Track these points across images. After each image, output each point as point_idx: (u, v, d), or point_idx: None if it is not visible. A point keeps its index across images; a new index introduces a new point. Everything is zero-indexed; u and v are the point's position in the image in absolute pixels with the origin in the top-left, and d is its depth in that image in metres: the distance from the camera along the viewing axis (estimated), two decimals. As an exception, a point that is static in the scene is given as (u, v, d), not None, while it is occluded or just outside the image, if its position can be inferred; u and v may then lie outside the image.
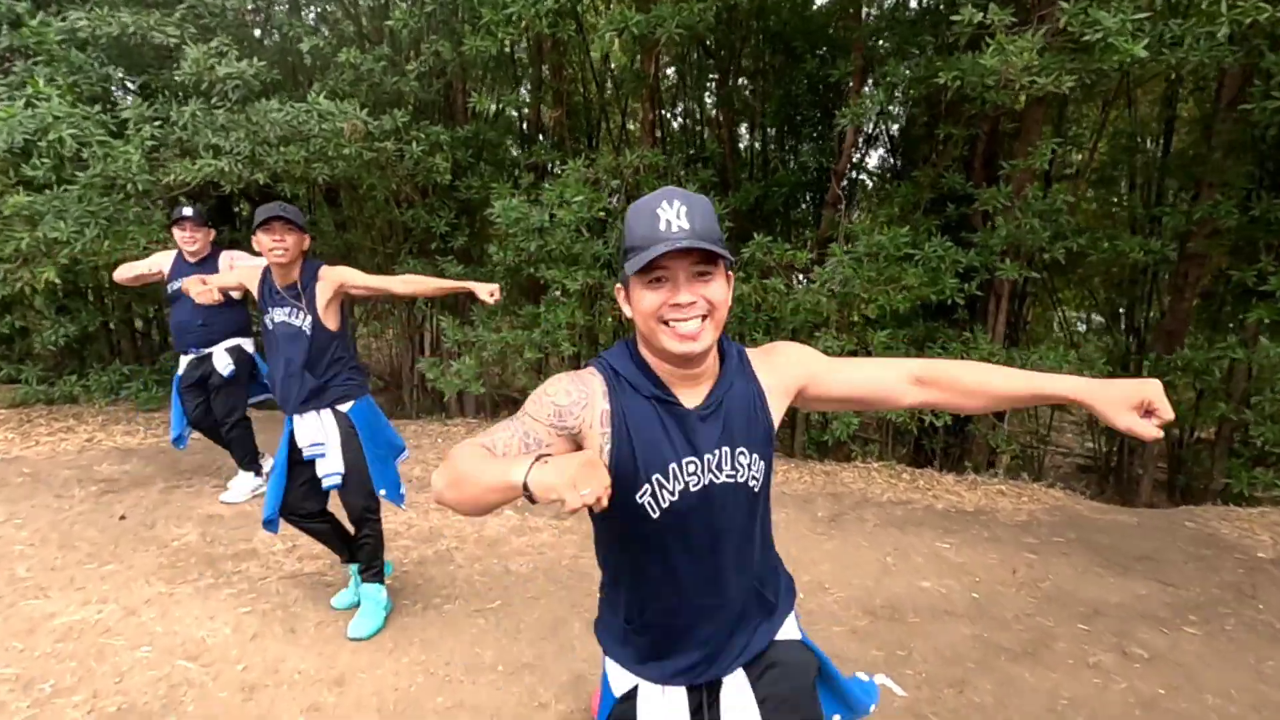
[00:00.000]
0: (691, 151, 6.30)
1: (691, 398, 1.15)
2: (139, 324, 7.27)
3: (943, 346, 5.00)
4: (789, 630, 1.30)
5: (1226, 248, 4.99)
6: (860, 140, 5.43)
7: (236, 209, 7.49)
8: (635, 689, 1.24)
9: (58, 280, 4.74)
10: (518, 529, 3.54)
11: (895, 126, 6.00)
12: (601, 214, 5.19)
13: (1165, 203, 5.43)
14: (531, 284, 5.91)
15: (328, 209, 7.09)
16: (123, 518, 3.56)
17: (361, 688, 2.23)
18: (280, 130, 4.55)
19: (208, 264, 3.71)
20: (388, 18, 4.98)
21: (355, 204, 6.50)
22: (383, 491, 2.52)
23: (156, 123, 4.69)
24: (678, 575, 1.17)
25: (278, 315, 2.43)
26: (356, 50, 5.04)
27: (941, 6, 4.61)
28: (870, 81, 4.83)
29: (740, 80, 6.07)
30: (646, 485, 1.12)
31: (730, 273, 1.15)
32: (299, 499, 2.48)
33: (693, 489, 1.14)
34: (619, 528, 1.18)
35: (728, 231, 5.33)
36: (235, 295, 3.24)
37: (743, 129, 6.60)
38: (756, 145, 6.36)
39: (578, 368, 1.47)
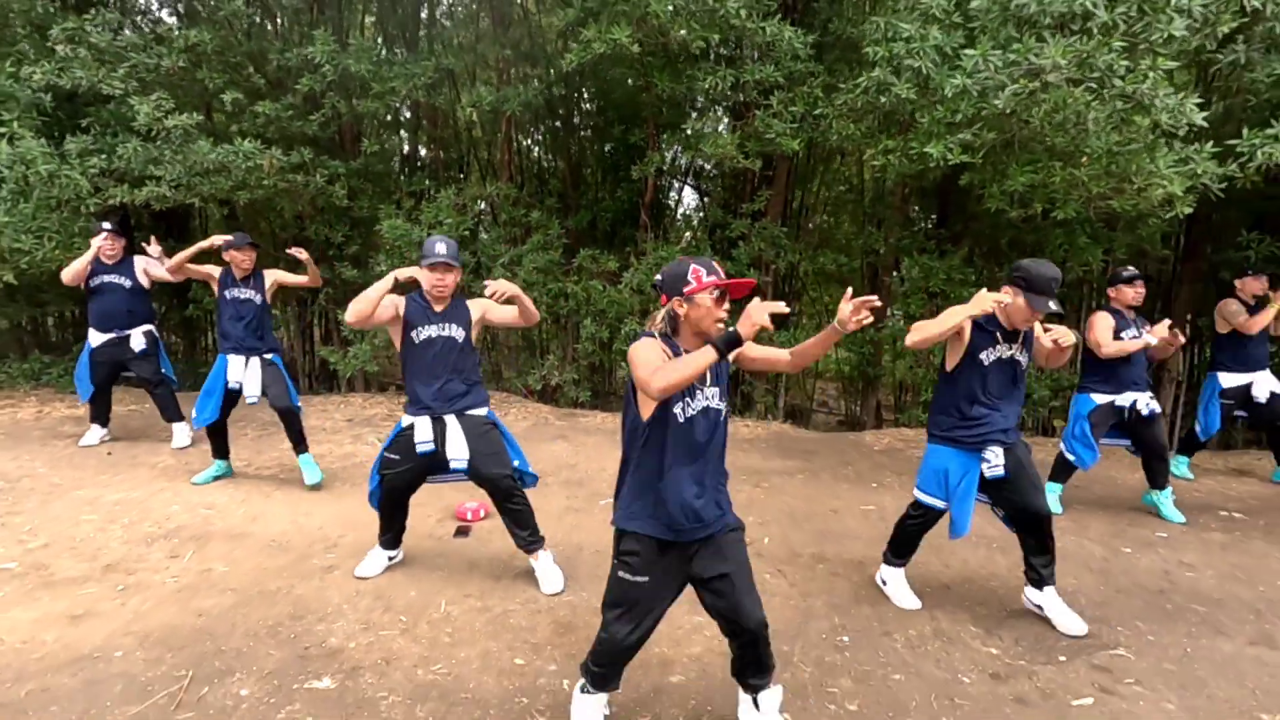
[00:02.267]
0: (539, 184, 8.18)
1: None
2: (51, 322, 8.11)
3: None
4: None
5: (887, 260, 7.54)
6: (659, 182, 7.52)
7: (133, 222, 8.50)
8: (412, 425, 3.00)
9: (15, 282, 5.86)
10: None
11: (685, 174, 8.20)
12: (467, 232, 6.93)
13: (865, 231, 7.93)
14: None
15: (223, 223, 8.33)
16: (109, 453, 4.90)
17: (311, 518, 3.88)
18: (212, 165, 5.93)
19: (123, 266, 5.05)
20: (297, 78, 6.46)
21: (251, 219, 7.84)
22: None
23: (102, 154, 5.93)
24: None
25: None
26: (269, 102, 6.48)
27: (696, 100, 6.75)
28: (659, 145, 6.90)
29: (576, 134, 8.02)
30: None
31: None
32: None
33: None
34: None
35: (564, 246, 7.25)
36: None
37: (581, 169, 8.56)
38: (589, 181, 8.33)
39: None
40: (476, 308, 3.15)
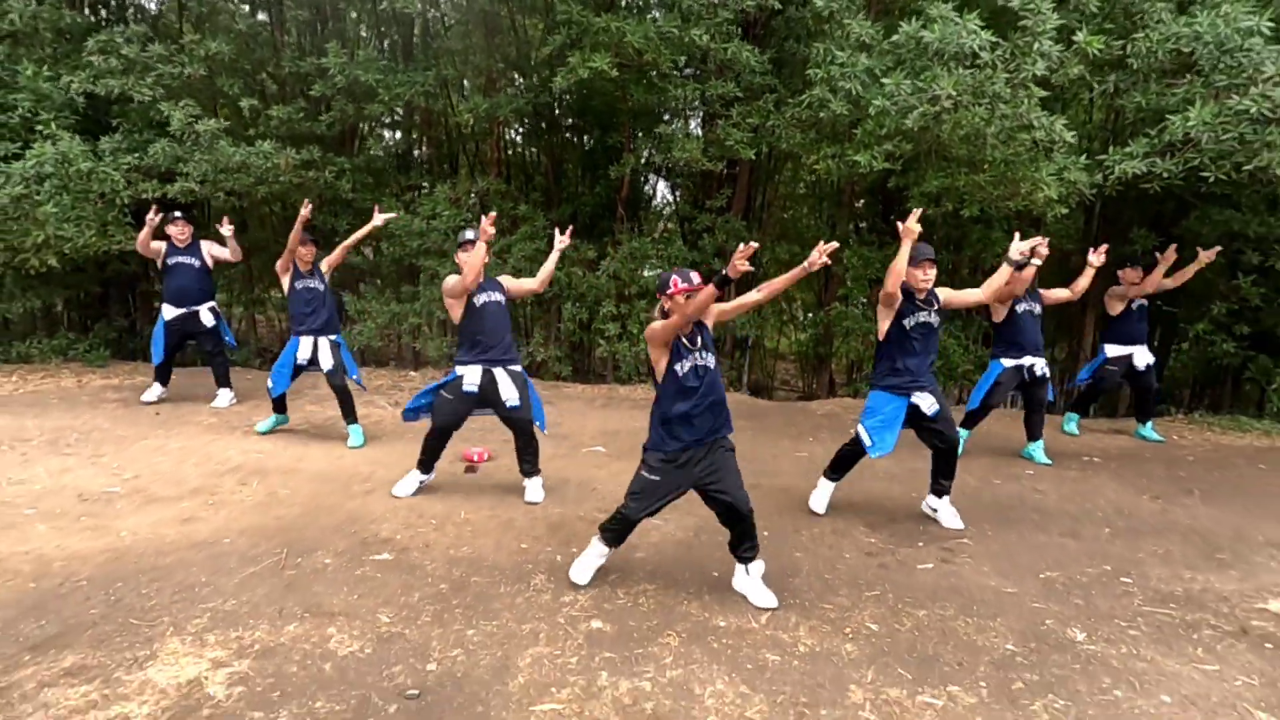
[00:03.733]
0: (525, 180, 9.01)
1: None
2: (63, 304, 8.79)
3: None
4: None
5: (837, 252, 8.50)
6: (634, 179, 8.38)
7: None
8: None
9: (56, 265, 6.58)
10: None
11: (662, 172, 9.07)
12: (463, 222, 7.75)
13: (816, 226, 8.88)
14: (409, 270, 8.33)
15: (234, 214, 9.06)
16: (157, 413, 5.69)
17: (344, 460, 4.73)
18: (235, 164, 6.68)
19: (193, 248, 5.86)
20: (309, 84, 7.20)
21: (257, 210, 8.59)
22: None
23: (134, 153, 6.65)
24: None
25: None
26: (282, 106, 7.22)
27: (667, 109, 7.61)
28: (633, 146, 7.76)
29: (560, 135, 8.85)
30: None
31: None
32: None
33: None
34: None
35: (549, 236, 8.09)
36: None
37: (563, 166, 9.39)
38: (571, 177, 9.17)
39: (445, 333, 4.16)
40: (506, 281, 4.08)
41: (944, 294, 3.85)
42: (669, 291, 2.85)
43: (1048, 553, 3.52)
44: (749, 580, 3.01)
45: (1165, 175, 5.10)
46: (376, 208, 5.17)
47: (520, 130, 9.17)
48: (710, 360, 2.93)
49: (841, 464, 4.00)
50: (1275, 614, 2.93)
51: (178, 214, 5.87)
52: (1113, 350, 5.92)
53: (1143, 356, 5.85)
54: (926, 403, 3.69)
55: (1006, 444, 5.62)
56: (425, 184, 8.58)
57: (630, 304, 7.88)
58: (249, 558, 3.14)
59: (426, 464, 4.06)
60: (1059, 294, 5.30)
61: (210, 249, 5.95)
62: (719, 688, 2.32)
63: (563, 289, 7.99)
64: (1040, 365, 5.09)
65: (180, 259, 5.81)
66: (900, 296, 3.68)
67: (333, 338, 5.15)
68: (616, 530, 3.04)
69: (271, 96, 7.74)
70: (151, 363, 6.06)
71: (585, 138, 8.73)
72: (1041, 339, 5.18)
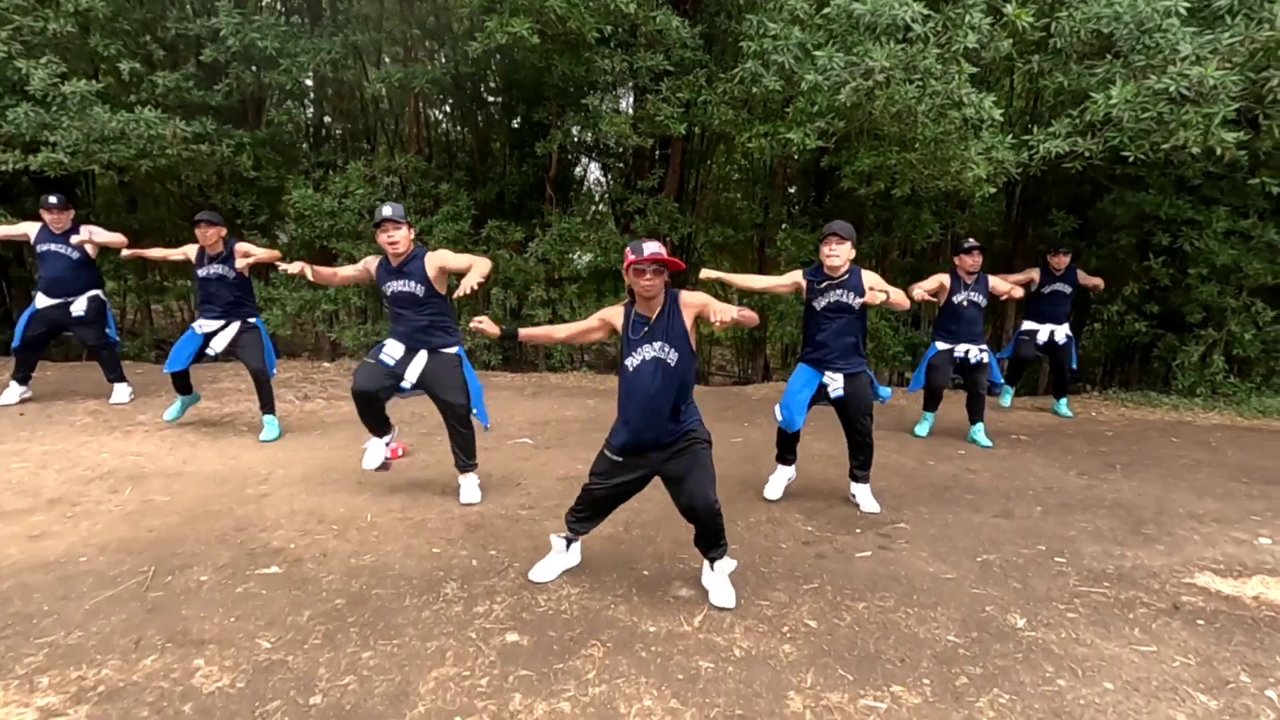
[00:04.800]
0: (449, 157, 8.52)
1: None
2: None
3: (614, 292, 7.83)
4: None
5: (772, 234, 8.42)
6: (563, 157, 8.03)
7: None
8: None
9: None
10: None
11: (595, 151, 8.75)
12: (377, 202, 7.23)
13: (750, 208, 8.75)
14: (323, 254, 7.75)
15: (117, 192, 8.22)
16: (21, 414, 5.03)
17: (240, 460, 4.28)
18: (111, 132, 5.99)
19: (69, 235, 5.19)
20: (199, 48, 6.53)
21: (148, 187, 7.81)
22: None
23: (-12, 120, 5.86)
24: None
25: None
26: (168, 73, 6.52)
27: (595, 82, 7.27)
28: (561, 122, 7.41)
29: (484, 110, 8.39)
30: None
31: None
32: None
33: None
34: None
35: (473, 217, 7.67)
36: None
37: (489, 143, 8.94)
38: (497, 155, 8.73)
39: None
40: (434, 261, 3.56)
41: (870, 279, 3.70)
42: (624, 265, 2.60)
43: (983, 534, 3.46)
44: (713, 576, 2.80)
45: (1087, 154, 5.16)
46: (288, 267, 4.52)
47: (443, 105, 8.66)
48: (671, 355, 2.60)
49: (781, 445, 3.85)
50: (1202, 588, 2.93)
51: (52, 199, 5.16)
52: (1029, 325, 6.05)
53: (1053, 333, 5.96)
54: (834, 385, 3.60)
55: (942, 425, 5.63)
56: (339, 160, 7.98)
57: (560, 288, 7.57)
58: (107, 579, 2.71)
59: (376, 427, 3.72)
60: (1003, 287, 5.24)
61: (92, 234, 5.26)
62: (647, 704, 2.09)
63: (490, 273, 7.60)
64: (975, 353, 5.07)
65: (52, 246, 5.12)
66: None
67: (251, 320, 4.74)
68: (581, 514, 2.86)
69: (159, 62, 6.99)
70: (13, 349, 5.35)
71: (512, 114, 8.30)
72: (979, 329, 5.16)
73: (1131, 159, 4.93)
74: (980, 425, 5.20)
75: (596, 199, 9.17)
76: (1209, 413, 6.61)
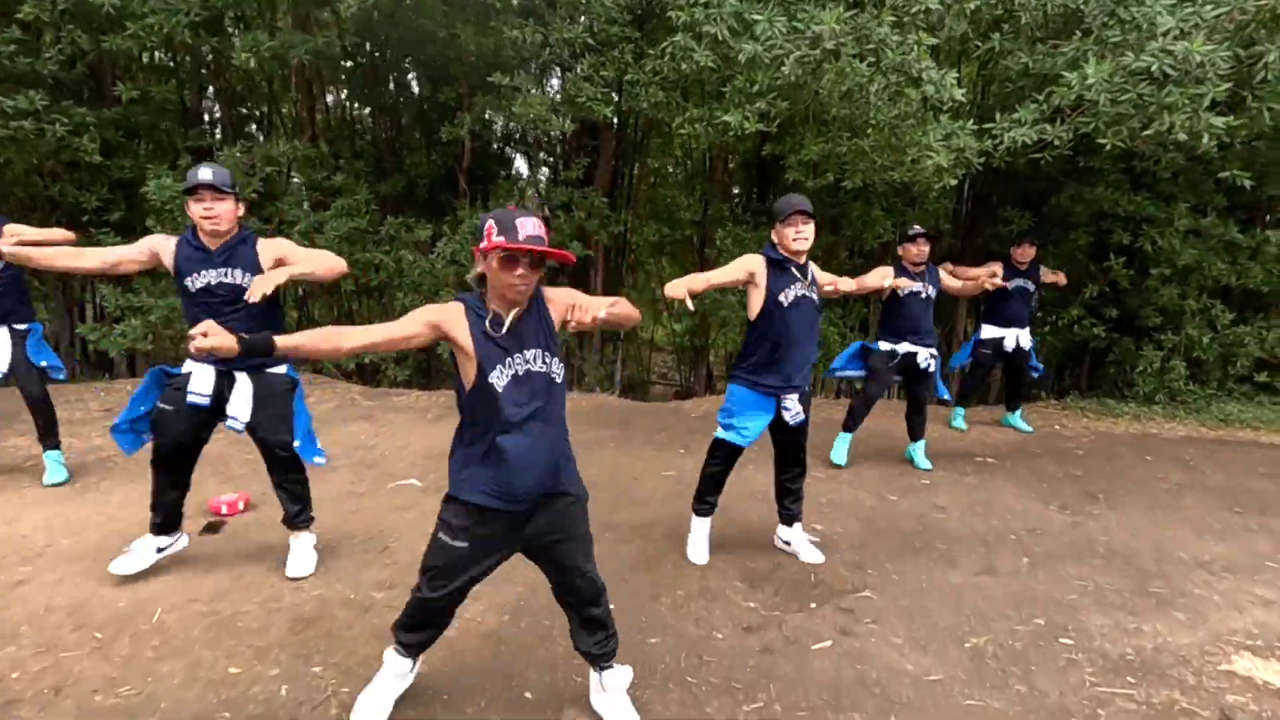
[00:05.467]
0: (349, 145, 7.50)
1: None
2: None
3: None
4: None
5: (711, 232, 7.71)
6: (477, 146, 7.12)
7: None
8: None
9: None
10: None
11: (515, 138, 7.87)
12: (255, 194, 6.19)
13: (687, 204, 8.02)
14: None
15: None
16: None
17: (16, 525, 3.28)
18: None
19: None
20: (17, 4, 5.36)
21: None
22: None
23: None
24: None
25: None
26: (-19, 31, 5.34)
27: (508, 62, 6.40)
28: (471, 104, 6.51)
29: (388, 91, 7.40)
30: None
31: None
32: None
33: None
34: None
35: (375, 214, 6.69)
36: None
37: (397, 130, 7.95)
38: (406, 144, 7.75)
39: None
40: (270, 250, 2.65)
41: (822, 278, 3.04)
42: (481, 245, 1.76)
43: (966, 601, 2.77)
44: (606, 700, 2.04)
45: (1057, 144, 4.61)
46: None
47: (342, 85, 7.63)
48: (555, 369, 1.86)
49: (710, 484, 3.09)
50: (1245, 679, 2.30)
51: None
52: (989, 331, 5.47)
53: (1017, 339, 5.41)
54: (793, 411, 2.93)
55: (894, 444, 4.99)
56: (214, 147, 6.87)
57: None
58: None
59: (162, 519, 2.74)
60: (954, 284, 4.65)
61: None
62: None
63: (392, 276, 6.66)
64: (924, 356, 4.43)
65: None
66: None
67: (20, 327, 3.65)
68: (415, 628, 1.99)
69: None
70: None
71: (418, 96, 7.34)
72: (929, 325, 4.53)
73: (1108, 147, 4.38)
74: (922, 443, 4.56)
75: (520, 193, 8.27)
76: (1171, 422, 6.22)
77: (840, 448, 4.52)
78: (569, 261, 1.91)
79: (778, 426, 2.96)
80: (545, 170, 8.28)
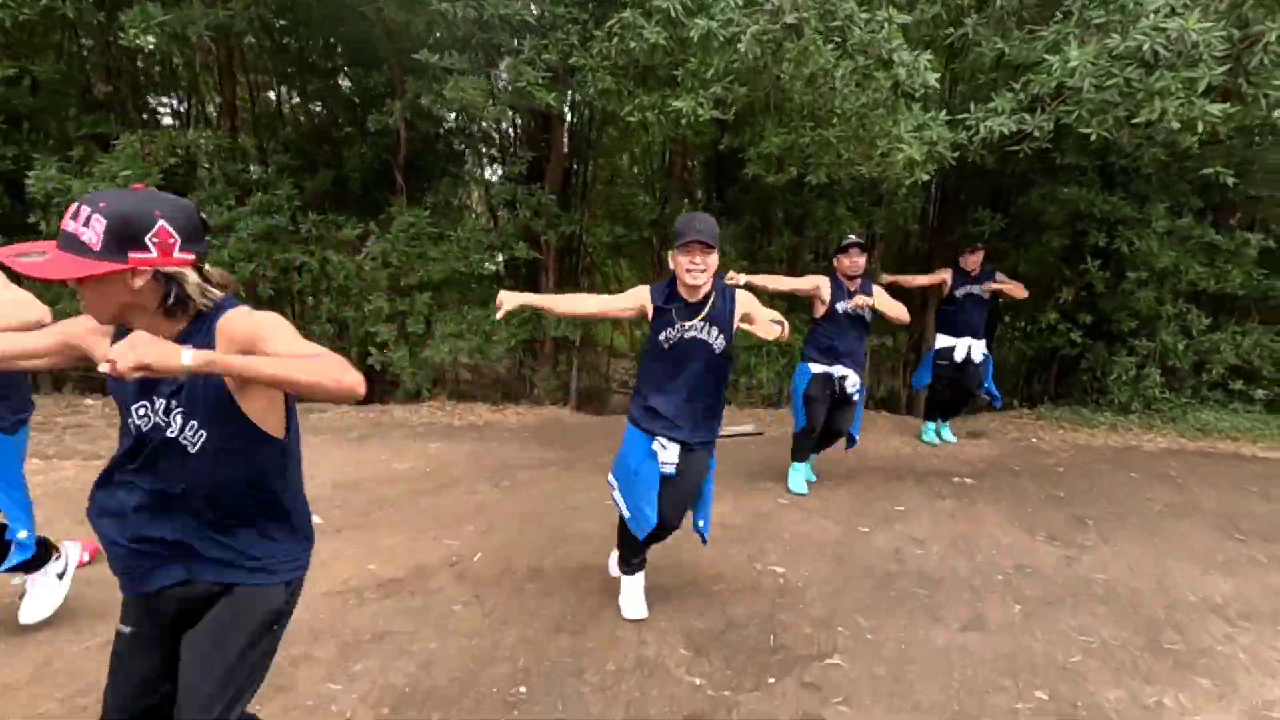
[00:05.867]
0: (272, 135, 6.84)
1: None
2: None
3: (483, 304, 6.41)
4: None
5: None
6: (413, 137, 6.52)
7: None
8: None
9: None
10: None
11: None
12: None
13: (641, 203, 7.54)
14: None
15: None
16: None
17: None
18: None
19: None
20: None
21: None
22: None
23: None
24: None
25: None
26: None
27: (441, 43, 5.84)
28: (400, 93, 5.93)
29: (316, 76, 6.77)
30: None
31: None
32: None
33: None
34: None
35: (298, 211, 6.05)
36: None
37: (328, 118, 7.31)
38: (337, 135, 7.12)
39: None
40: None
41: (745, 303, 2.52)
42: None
43: (955, 667, 2.31)
44: None
45: (1036, 134, 4.24)
46: None
47: (264, 69, 6.96)
48: (191, 435, 1.25)
49: (632, 546, 2.57)
50: (1297, 772, 1.88)
51: None
52: (942, 341, 5.08)
53: (969, 350, 5.01)
54: (665, 455, 2.46)
55: (865, 462, 4.56)
56: (109, 133, 6.15)
57: (410, 298, 6.08)
58: None
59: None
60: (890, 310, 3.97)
61: None
62: None
63: (316, 279, 6.03)
64: (852, 381, 3.90)
65: None
66: None
67: None
68: None
69: None
70: None
71: (347, 81, 6.72)
72: (862, 348, 4.05)
73: (1092, 138, 4.02)
74: (805, 465, 4.07)
75: (464, 190, 7.68)
76: (1149, 433, 5.92)
77: (795, 478, 4.05)
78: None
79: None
80: (498, 167, 7.71)
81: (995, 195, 7.13)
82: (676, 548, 3.07)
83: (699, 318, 2.39)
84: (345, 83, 6.73)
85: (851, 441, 4.15)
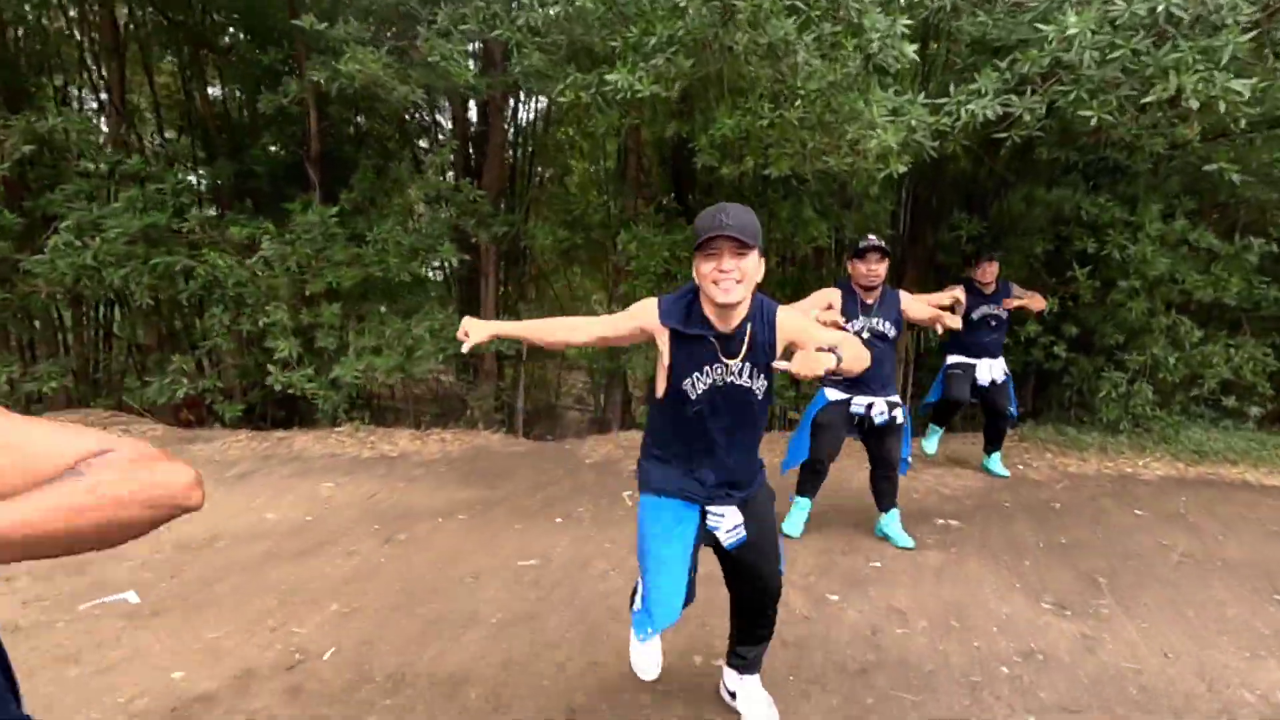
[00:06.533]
0: (159, 120, 6.01)
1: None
2: None
3: (406, 315, 5.63)
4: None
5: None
6: (325, 126, 5.75)
7: None
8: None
9: None
10: None
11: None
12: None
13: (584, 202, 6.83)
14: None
15: None
16: None
17: None
18: None
19: None
20: None
21: None
22: None
23: None
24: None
25: None
26: None
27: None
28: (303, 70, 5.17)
29: (212, 52, 5.96)
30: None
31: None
32: None
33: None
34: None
35: (179, 206, 5.22)
36: None
37: (230, 103, 6.49)
38: (241, 122, 6.32)
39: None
40: None
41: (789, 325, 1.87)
42: None
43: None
44: None
45: (1026, 118, 3.63)
46: None
47: (153, 45, 6.12)
48: None
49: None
50: None
51: None
52: (955, 359, 4.51)
53: (989, 371, 4.45)
54: (726, 524, 1.88)
55: (841, 507, 3.89)
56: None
57: (316, 309, 5.29)
58: None
59: None
60: (921, 313, 3.50)
61: None
62: None
63: (207, 286, 5.21)
64: (882, 408, 3.27)
65: None
66: None
67: None
68: None
69: None
70: None
71: (245, 59, 5.90)
72: (888, 370, 3.40)
73: (1094, 121, 3.42)
74: (895, 512, 3.48)
75: (393, 189, 6.89)
76: (1143, 456, 5.38)
77: (793, 519, 3.45)
78: None
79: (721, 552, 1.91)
80: (397, 153, 6.91)
81: (969, 200, 6.58)
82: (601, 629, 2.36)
83: (739, 357, 1.69)
84: (241, 59, 5.91)
85: (904, 467, 3.49)
